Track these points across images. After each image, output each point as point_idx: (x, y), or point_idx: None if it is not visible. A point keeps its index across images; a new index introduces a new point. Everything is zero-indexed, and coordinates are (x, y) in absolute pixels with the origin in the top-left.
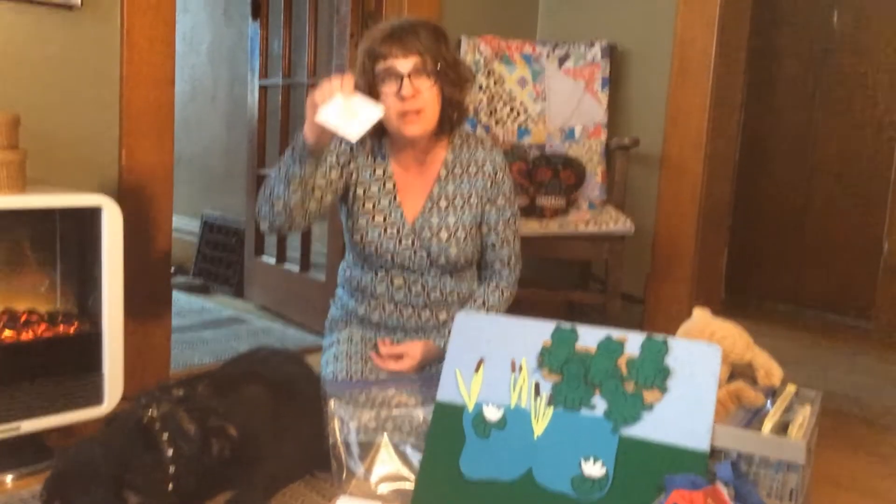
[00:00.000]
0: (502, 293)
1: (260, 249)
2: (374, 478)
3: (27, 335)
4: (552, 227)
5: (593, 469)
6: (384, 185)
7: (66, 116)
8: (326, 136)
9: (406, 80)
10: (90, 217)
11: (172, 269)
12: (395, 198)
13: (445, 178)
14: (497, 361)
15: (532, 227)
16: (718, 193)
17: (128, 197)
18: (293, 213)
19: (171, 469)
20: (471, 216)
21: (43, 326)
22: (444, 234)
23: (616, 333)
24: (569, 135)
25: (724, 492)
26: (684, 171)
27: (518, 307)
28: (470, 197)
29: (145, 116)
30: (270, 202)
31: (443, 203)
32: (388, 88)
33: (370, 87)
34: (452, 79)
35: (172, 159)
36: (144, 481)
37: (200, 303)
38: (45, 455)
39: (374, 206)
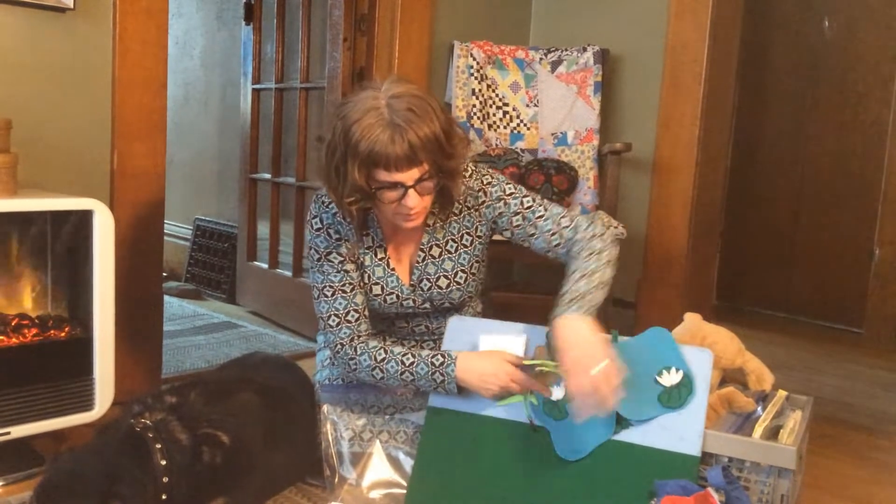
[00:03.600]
0: (599, 251)
1: (252, 254)
2: (366, 483)
3: (18, 339)
4: None
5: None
6: (376, 254)
7: (57, 120)
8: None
9: (412, 192)
10: (81, 221)
11: (164, 273)
12: (388, 264)
13: (433, 223)
14: None
15: None
16: (710, 199)
17: (119, 201)
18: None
19: (165, 480)
20: (468, 256)
21: (34, 331)
22: (443, 282)
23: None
24: (561, 140)
25: (715, 497)
26: (676, 177)
27: (511, 312)
28: (462, 237)
29: (137, 120)
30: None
31: (435, 251)
32: (389, 195)
33: (362, 189)
34: (448, 154)
35: (165, 163)
36: (136, 493)
37: (192, 308)
38: (35, 461)
39: (369, 278)
